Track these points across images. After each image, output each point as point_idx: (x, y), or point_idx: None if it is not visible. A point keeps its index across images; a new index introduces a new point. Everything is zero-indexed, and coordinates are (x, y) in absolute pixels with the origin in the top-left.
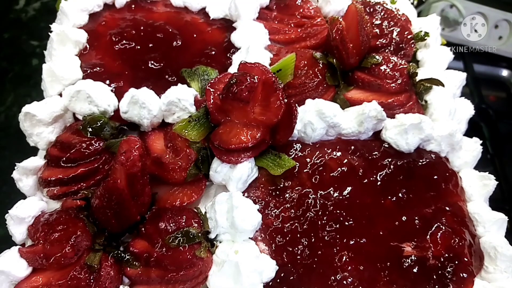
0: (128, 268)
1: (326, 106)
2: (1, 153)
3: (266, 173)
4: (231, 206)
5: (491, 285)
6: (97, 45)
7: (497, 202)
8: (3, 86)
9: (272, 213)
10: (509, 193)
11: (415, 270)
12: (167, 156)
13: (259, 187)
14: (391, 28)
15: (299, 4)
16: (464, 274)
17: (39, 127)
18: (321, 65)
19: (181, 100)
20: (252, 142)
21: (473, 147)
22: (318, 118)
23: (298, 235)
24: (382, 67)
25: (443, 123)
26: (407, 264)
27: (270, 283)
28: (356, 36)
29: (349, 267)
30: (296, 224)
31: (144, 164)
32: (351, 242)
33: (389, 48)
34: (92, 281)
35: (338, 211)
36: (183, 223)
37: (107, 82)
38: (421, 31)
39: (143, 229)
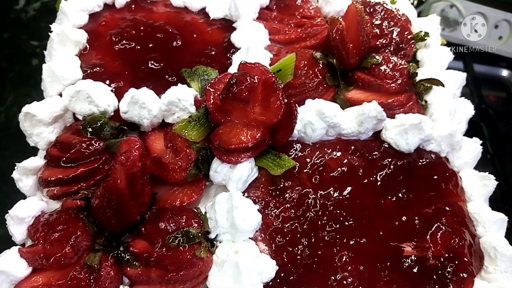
0: (128, 268)
1: (326, 106)
2: (1, 153)
3: (266, 173)
4: (231, 206)
5: (491, 285)
6: (97, 45)
7: (497, 202)
8: (3, 86)
9: (272, 213)
10: (509, 193)
11: (415, 270)
12: (167, 156)
13: (259, 187)
14: (391, 28)
15: (299, 4)
16: (464, 274)
17: (39, 127)
18: (321, 65)
19: (181, 100)
20: (252, 142)
21: (473, 147)
22: (318, 118)
23: (298, 235)
24: (382, 67)
25: (443, 123)
26: (407, 264)
27: (270, 283)
28: (356, 36)
29: (349, 267)
30: (296, 224)
31: (144, 164)
32: (351, 242)
33: (389, 48)
34: (92, 281)
35: (338, 211)
36: (183, 223)
37: (107, 82)
38: (421, 31)
39: (143, 229)
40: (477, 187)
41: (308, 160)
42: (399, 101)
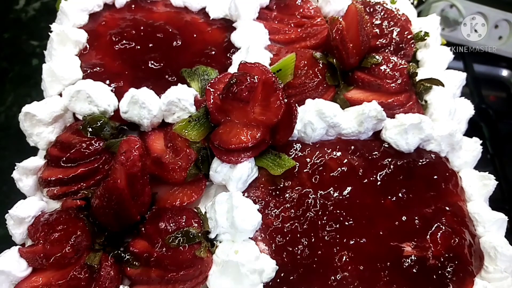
0: (128, 268)
1: (326, 106)
2: (1, 153)
3: (266, 173)
4: (231, 206)
5: (491, 285)
6: (97, 45)
7: (497, 202)
8: (3, 86)
9: (272, 213)
10: (509, 193)
11: (415, 270)
12: (167, 156)
13: (259, 187)
14: (391, 28)
15: (299, 4)
16: (464, 274)
17: (39, 127)
18: (321, 65)
19: (181, 100)
20: (252, 142)
21: (473, 147)
22: (318, 118)
23: (298, 235)
24: (382, 67)
25: (443, 123)
26: (407, 264)
27: (270, 283)
28: (356, 36)
29: (349, 267)
30: (296, 224)
31: (144, 164)
32: (351, 242)
33: (389, 48)
34: (92, 281)
35: (338, 211)
36: (183, 223)
37: (107, 82)
38: (421, 31)
39: (143, 229)
40: (477, 187)
41: (308, 160)
42: (399, 101)
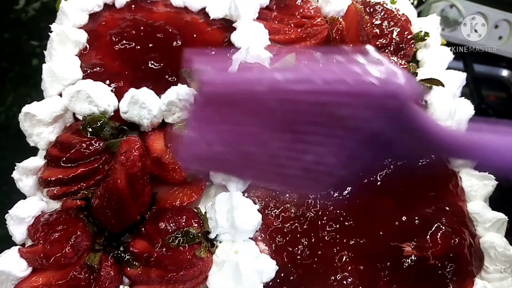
0: (128, 268)
1: None
2: (1, 153)
3: None
4: (231, 206)
5: (491, 285)
6: (97, 45)
7: (497, 202)
8: (3, 86)
9: (272, 213)
10: (509, 193)
11: (415, 270)
12: (167, 156)
13: (259, 187)
14: (391, 28)
15: (299, 4)
16: (464, 274)
17: (39, 127)
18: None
19: (181, 100)
20: None
21: None
22: None
23: (298, 235)
24: None
25: (443, 123)
26: (407, 264)
27: (270, 283)
28: (356, 36)
29: (349, 267)
30: (296, 224)
31: (144, 164)
32: (351, 242)
33: (389, 48)
34: (92, 281)
35: (338, 211)
36: (183, 223)
37: (107, 82)
38: (421, 31)
39: (143, 229)
40: (477, 187)
41: None
42: None
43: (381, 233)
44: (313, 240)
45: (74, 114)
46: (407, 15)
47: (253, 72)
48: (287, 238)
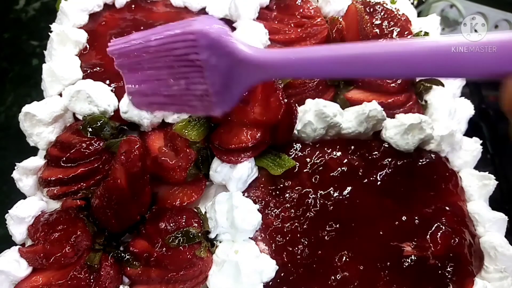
0: (128, 268)
1: (326, 106)
2: (1, 153)
3: (266, 173)
4: (231, 206)
5: (491, 285)
6: (97, 45)
7: (497, 202)
8: (3, 86)
9: (272, 213)
10: (509, 193)
11: (415, 270)
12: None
13: (259, 187)
14: (391, 28)
15: (299, 4)
16: (464, 274)
17: (39, 127)
18: None
19: None
20: (252, 142)
21: (473, 147)
22: (318, 118)
23: (298, 235)
24: None
25: (443, 123)
26: (407, 264)
27: (270, 283)
28: (356, 36)
29: (349, 267)
30: (296, 224)
31: (144, 164)
32: (351, 242)
33: None
34: (92, 281)
35: (338, 211)
36: (183, 223)
37: (107, 82)
38: (421, 31)
39: (143, 229)
40: (477, 187)
41: (308, 160)
42: (399, 101)
43: (381, 233)
44: (313, 240)
45: (74, 114)
46: (407, 15)
47: (135, 35)
48: (287, 238)
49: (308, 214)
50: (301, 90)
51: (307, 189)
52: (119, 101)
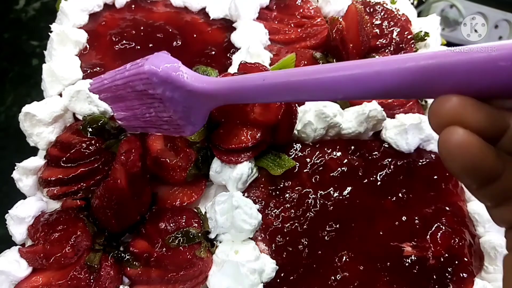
0: (128, 268)
1: (326, 106)
2: (1, 153)
3: (266, 173)
4: (231, 206)
5: (491, 285)
6: (97, 45)
7: None
8: (3, 86)
9: (272, 213)
10: None
11: (415, 270)
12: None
13: (259, 187)
14: (391, 28)
15: (299, 4)
16: (464, 274)
17: (39, 127)
18: None
19: None
20: (252, 142)
21: None
22: (318, 118)
23: (298, 235)
24: None
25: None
26: (407, 264)
27: (270, 283)
28: (356, 36)
29: (349, 267)
30: (296, 224)
31: (144, 164)
32: (351, 242)
33: (389, 48)
34: (92, 281)
35: (338, 211)
36: (183, 223)
37: None
38: (421, 31)
39: (143, 229)
40: None
41: (308, 160)
42: (399, 101)
43: (381, 233)
44: (313, 240)
45: (74, 114)
46: (407, 15)
47: (106, 75)
48: (287, 238)
49: (308, 214)
50: None
51: (307, 189)
52: None
